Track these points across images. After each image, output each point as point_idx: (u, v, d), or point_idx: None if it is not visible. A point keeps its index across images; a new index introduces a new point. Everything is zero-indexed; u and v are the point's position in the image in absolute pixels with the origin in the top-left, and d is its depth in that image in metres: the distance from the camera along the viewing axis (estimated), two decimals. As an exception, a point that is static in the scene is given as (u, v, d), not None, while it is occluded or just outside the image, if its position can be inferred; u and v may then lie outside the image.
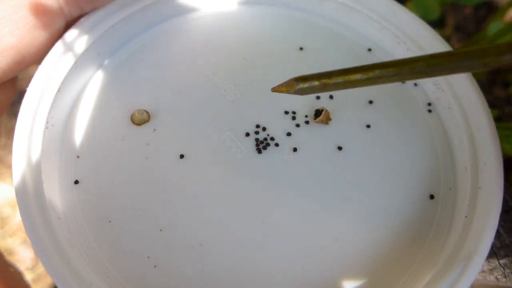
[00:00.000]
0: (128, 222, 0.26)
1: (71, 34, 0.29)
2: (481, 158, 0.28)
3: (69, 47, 0.29)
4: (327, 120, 0.30)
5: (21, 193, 0.24)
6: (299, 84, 0.23)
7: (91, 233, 0.26)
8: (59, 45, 0.28)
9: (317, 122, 0.30)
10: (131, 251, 0.26)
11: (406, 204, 0.28)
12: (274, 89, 0.25)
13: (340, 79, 0.22)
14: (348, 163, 0.29)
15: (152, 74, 0.31)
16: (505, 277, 0.29)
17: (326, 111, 0.30)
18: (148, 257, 0.25)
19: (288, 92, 0.24)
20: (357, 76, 0.22)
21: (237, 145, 0.29)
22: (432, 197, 0.28)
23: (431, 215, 0.28)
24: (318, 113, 0.30)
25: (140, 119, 0.29)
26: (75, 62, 0.29)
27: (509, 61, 0.20)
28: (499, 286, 0.29)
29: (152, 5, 0.32)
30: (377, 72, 0.22)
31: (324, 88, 0.23)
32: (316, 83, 0.23)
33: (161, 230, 0.26)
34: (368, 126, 0.30)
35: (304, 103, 0.31)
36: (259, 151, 0.29)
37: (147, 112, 0.29)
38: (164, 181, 0.27)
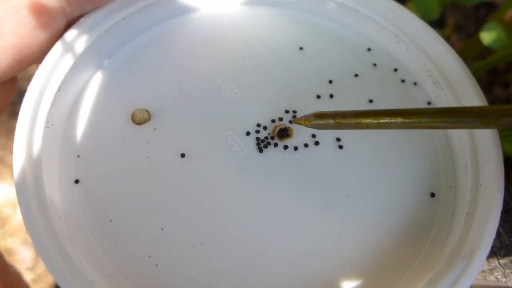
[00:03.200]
0: (129, 221, 0.26)
1: (71, 33, 0.29)
2: (481, 156, 0.28)
3: (69, 47, 0.29)
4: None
5: (22, 192, 0.24)
6: (316, 120, 0.26)
7: (91, 232, 0.26)
8: (59, 44, 0.28)
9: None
10: (132, 250, 0.26)
11: (406, 202, 0.28)
12: (295, 121, 0.27)
13: (352, 121, 0.24)
14: (349, 162, 0.29)
15: (153, 73, 0.31)
16: (505, 277, 0.29)
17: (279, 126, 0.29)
18: (149, 256, 0.25)
19: (306, 125, 0.26)
20: (368, 120, 0.24)
21: (238, 144, 0.29)
22: (433, 195, 0.28)
23: (432, 213, 0.28)
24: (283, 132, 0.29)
25: (141, 118, 0.29)
26: (75, 62, 0.29)
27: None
28: (499, 286, 0.29)
29: (152, 5, 0.32)
30: (386, 119, 0.23)
31: (338, 126, 0.25)
32: (331, 121, 0.25)
33: (162, 229, 0.26)
34: (369, 125, 0.30)
35: (304, 102, 0.31)
36: (260, 150, 0.29)
37: (148, 112, 0.29)
38: (165, 180, 0.27)
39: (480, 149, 0.28)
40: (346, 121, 0.25)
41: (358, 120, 0.24)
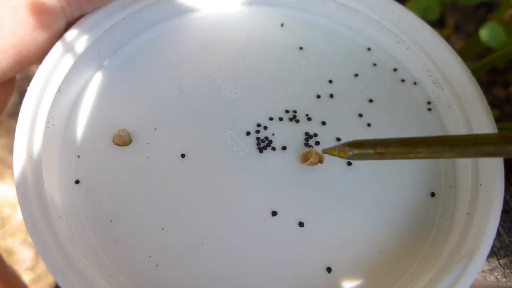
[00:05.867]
0: (130, 222, 0.26)
1: (71, 33, 0.29)
2: (481, 156, 0.28)
3: (69, 47, 0.29)
4: (320, 160, 0.28)
5: (22, 192, 0.24)
6: (354, 150, 0.22)
7: (92, 232, 0.26)
8: (59, 45, 0.28)
9: (309, 164, 0.28)
10: (133, 250, 0.26)
11: (407, 202, 0.28)
12: (326, 151, 0.25)
13: (399, 150, 0.21)
14: (349, 162, 0.29)
15: (152, 73, 0.31)
16: (505, 277, 0.29)
17: (316, 153, 0.27)
18: (150, 256, 0.25)
19: (341, 157, 0.23)
20: (419, 150, 0.21)
21: (238, 144, 0.29)
22: (433, 195, 0.28)
23: (432, 213, 0.28)
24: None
25: (122, 142, 0.28)
26: (75, 62, 0.29)
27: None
28: (499, 286, 0.29)
29: (152, 5, 0.32)
30: (439, 148, 0.20)
31: (380, 157, 0.22)
32: (371, 151, 0.22)
33: (162, 229, 0.26)
34: (369, 125, 0.30)
35: (304, 102, 0.31)
36: (260, 150, 0.29)
37: (129, 135, 0.28)
38: (165, 180, 0.27)
39: (480, 149, 0.28)
40: (391, 150, 0.21)
41: (406, 150, 0.21)
